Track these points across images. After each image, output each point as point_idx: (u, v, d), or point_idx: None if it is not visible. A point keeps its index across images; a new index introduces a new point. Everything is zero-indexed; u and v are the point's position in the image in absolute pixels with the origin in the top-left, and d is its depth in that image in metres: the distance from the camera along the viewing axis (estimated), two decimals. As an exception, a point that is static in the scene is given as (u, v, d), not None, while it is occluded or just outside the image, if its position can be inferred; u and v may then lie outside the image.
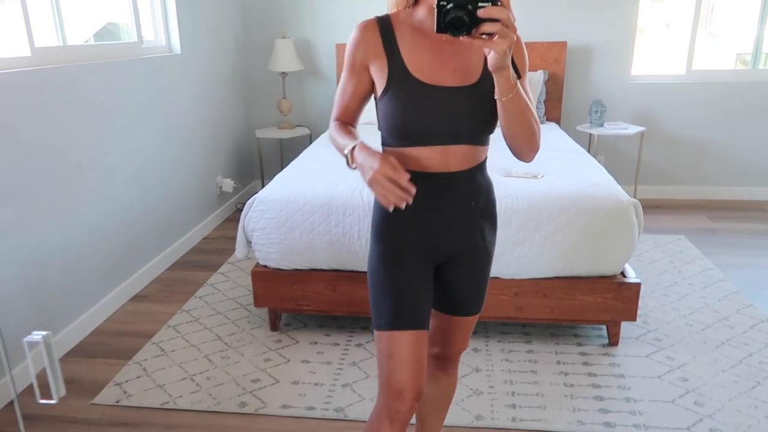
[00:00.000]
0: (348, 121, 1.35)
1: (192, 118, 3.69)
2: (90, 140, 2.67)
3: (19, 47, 2.35)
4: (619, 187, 2.49)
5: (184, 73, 3.58)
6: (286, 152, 4.70)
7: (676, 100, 4.34)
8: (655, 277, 3.11)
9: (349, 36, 1.28)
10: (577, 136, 4.25)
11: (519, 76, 1.18)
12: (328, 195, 2.45)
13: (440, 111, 1.21)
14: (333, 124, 1.34)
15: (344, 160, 1.24)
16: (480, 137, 1.27)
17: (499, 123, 1.23)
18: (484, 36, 1.01)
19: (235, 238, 3.73)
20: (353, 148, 1.20)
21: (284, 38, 4.26)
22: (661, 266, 3.26)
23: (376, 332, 1.32)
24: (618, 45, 4.28)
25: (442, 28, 1.01)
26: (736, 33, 4.38)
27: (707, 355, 2.41)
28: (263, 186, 4.60)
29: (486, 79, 1.21)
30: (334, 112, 1.35)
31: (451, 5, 0.99)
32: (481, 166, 1.32)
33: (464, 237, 1.35)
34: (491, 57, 1.05)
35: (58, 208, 2.45)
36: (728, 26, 4.31)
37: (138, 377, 2.30)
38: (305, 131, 4.44)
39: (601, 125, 4.16)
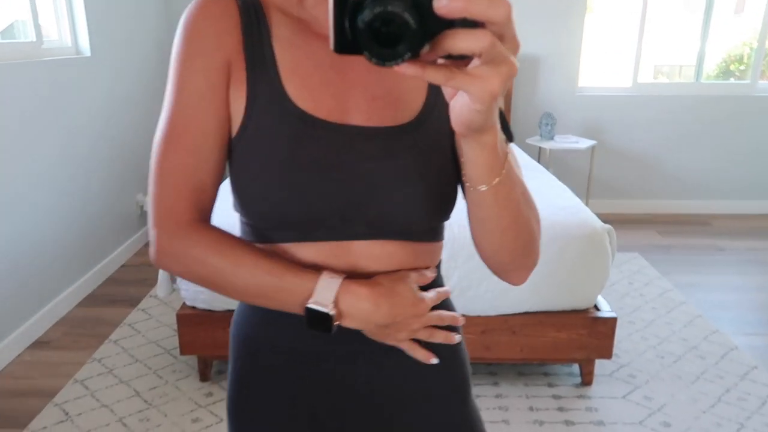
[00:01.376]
0: (205, 205, 0.69)
1: (106, 129, 3.23)
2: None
3: None
4: (590, 211, 2.28)
5: (94, 77, 3.12)
6: (216, 166, 4.28)
7: (623, 113, 4.26)
8: (617, 301, 2.95)
9: (184, 18, 0.67)
10: (527, 150, 4.08)
11: (510, 139, 0.61)
12: (268, 224, 2.11)
13: (343, 173, 0.66)
14: (189, 238, 0.67)
15: (308, 319, 0.65)
16: (423, 225, 0.71)
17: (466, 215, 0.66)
18: (442, 61, 0.46)
19: (158, 265, 3.31)
20: (335, 303, 0.64)
21: (213, 41, 3.86)
22: (622, 289, 3.11)
23: None
24: (565, 56, 4.15)
25: (348, 42, 0.44)
26: (654, 45, 4.34)
27: (685, 392, 2.23)
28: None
29: (433, 113, 0.69)
30: (173, 200, 0.67)
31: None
32: (432, 285, 0.74)
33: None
34: (462, 106, 0.49)
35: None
36: (648, 39, 4.27)
37: (32, 454, 1.87)
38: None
39: (552, 138, 4.01)
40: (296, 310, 0.65)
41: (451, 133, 0.68)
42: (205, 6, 0.66)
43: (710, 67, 4.45)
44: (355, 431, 0.75)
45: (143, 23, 3.72)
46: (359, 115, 0.67)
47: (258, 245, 0.70)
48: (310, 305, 0.64)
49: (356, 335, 0.70)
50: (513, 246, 0.66)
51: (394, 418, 0.75)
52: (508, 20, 0.44)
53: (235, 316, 0.80)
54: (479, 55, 0.44)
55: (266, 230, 0.70)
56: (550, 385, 2.27)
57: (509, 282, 0.73)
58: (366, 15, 0.41)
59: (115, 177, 3.32)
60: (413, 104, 0.69)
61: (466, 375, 0.80)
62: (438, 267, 0.78)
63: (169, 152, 0.66)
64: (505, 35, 0.44)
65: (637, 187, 4.41)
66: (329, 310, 0.64)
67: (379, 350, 0.72)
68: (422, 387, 0.76)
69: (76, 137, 2.93)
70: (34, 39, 2.75)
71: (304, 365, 0.73)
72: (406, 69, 0.44)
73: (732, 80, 4.39)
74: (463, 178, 0.60)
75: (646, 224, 4.20)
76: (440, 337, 0.72)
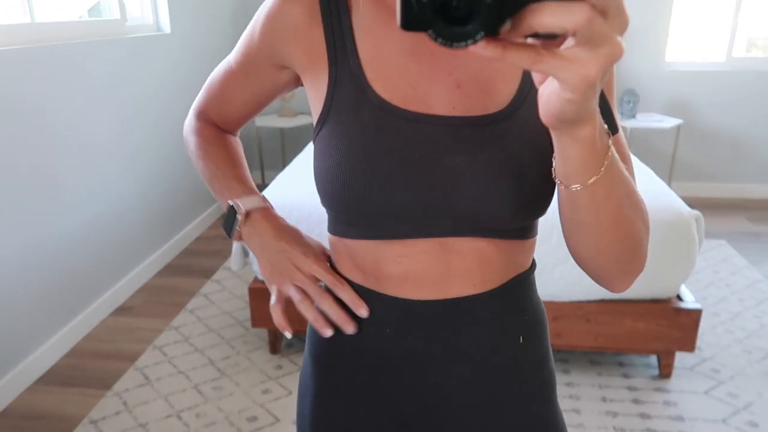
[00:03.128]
0: (224, 127, 0.83)
1: (184, 105, 3.32)
2: (69, 131, 2.32)
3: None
4: (677, 196, 2.14)
5: (174, 55, 3.21)
6: (287, 142, 4.34)
7: (714, 90, 3.97)
8: (701, 291, 2.78)
9: (264, 2, 0.69)
10: (605, 129, 3.88)
11: (615, 131, 0.59)
12: (338, 201, 2.11)
13: (426, 166, 0.61)
14: (197, 125, 0.82)
15: (224, 216, 0.75)
16: (514, 222, 0.64)
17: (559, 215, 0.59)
18: (531, 40, 0.39)
19: (231, 238, 3.40)
20: (248, 212, 0.72)
21: (287, 17, 3.88)
22: (706, 278, 2.92)
23: None
24: (651, 28, 3.89)
25: (415, 18, 0.36)
26: (748, 16, 3.97)
27: (774, 391, 2.09)
28: (263, 178, 4.26)
29: (526, 101, 0.62)
30: (202, 103, 0.82)
31: None
32: (523, 282, 0.69)
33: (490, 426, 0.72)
34: (552, 94, 0.42)
35: (29, 207, 2.11)
36: (743, 8, 3.91)
37: (117, 413, 1.98)
38: (308, 119, 4.08)
39: (634, 117, 3.79)
40: (224, 202, 0.77)
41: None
42: None
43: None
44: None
45: (219, 2, 3.78)
46: (442, 104, 0.61)
47: (333, 238, 0.71)
48: (231, 202, 0.74)
49: (445, 355, 0.67)
50: (613, 251, 0.58)
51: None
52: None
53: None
54: (573, 34, 0.37)
55: (343, 224, 0.67)
56: (625, 376, 2.17)
57: (609, 289, 0.65)
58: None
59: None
60: (505, 91, 0.61)
61: (552, 372, 0.75)
62: (532, 266, 0.72)
63: (215, 81, 0.81)
64: (608, 8, 0.37)
65: (726, 170, 4.11)
66: (240, 214, 0.72)
67: (469, 365, 0.68)
68: (521, 400, 0.71)
69: (156, 114, 3.03)
70: (119, 17, 2.85)
71: (389, 368, 0.70)
72: (482, 50, 0.37)
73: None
74: (554, 174, 0.52)
75: (734, 209, 3.93)
76: (333, 313, 0.68)
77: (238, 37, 3.50)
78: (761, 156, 4.06)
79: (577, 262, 0.64)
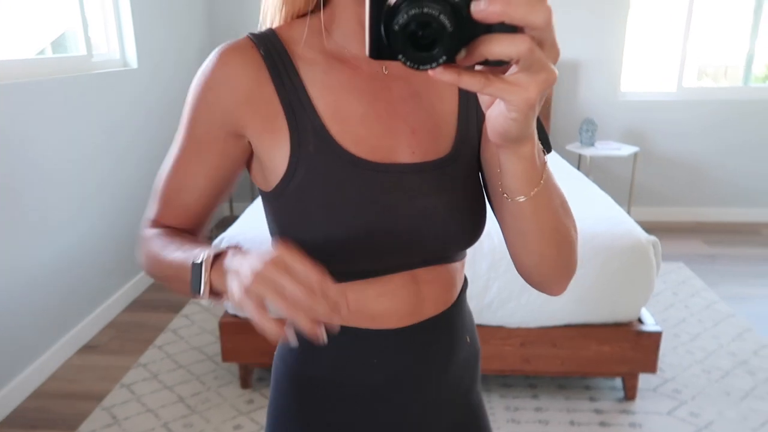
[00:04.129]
0: (186, 227, 0.74)
1: (152, 139, 3.32)
2: (34, 167, 2.30)
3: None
4: (634, 221, 2.23)
5: (141, 89, 3.22)
6: (256, 173, 4.36)
7: (668, 119, 4.16)
8: (661, 313, 2.87)
9: (201, 68, 0.68)
10: (566, 157, 4.02)
11: (548, 149, 0.64)
12: (308, 234, 2.13)
13: (400, 211, 0.66)
14: (147, 234, 0.73)
15: (190, 282, 0.60)
16: (465, 248, 0.74)
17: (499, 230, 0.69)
18: (479, 67, 0.45)
19: (200, 271, 3.37)
20: (215, 254, 0.59)
21: (254, 51, 3.93)
22: (666, 300, 3.02)
23: None
24: (607, 60, 4.08)
25: (384, 47, 0.43)
26: (699, 46, 4.21)
27: (734, 409, 2.16)
28: (231, 210, 4.25)
29: (465, 144, 0.70)
30: (154, 212, 0.74)
31: (403, 3, 0.41)
32: (463, 297, 0.79)
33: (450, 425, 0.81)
34: (498, 115, 0.48)
35: (-13, 253, 2.08)
36: (701, 38, 4.15)
37: (82, 456, 1.94)
38: (277, 151, 4.11)
39: (592, 145, 3.94)
40: (191, 264, 0.60)
41: (479, 157, 0.71)
42: (228, 55, 0.65)
43: (760, 69, 4.30)
44: None
45: (187, 37, 3.82)
46: (404, 152, 0.67)
47: None
48: (199, 259, 0.59)
49: (419, 373, 0.74)
50: (554, 257, 0.65)
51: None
52: (549, 25, 0.42)
53: (282, 354, 0.78)
54: (517, 62, 0.43)
55: (332, 273, 0.59)
56: (592, 399, 2.23)
57: (549, 293, 0.72)
58: (401, 18, 0.40)
59: (159, 185, 3.42)
60: (447, 135, 0.69)
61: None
62: (465, 287, 0.81)
63: (163, 180, 0.72)
64: (544, 41, 0.43)
65: (683, 195, 4.29)
66: (205, 259, 0.59)
67: (437, 377, 0.75)
68: (467, 395, 0.82)
69: (124, 148, 3.02)
70: (85, 53, 2.86)
71: (379, 401, 0.74)
72: (441, 75, 0.43)
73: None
74: (501, 189, 0.60)
75: (691, 233, 4.08)
76: (286, 307, 0.50)
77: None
78: (715, 180, 4.24)
79: (520, 272, 0.71)
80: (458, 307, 0.76)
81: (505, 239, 0.69)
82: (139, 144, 3.18)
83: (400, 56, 0.42)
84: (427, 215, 0.67)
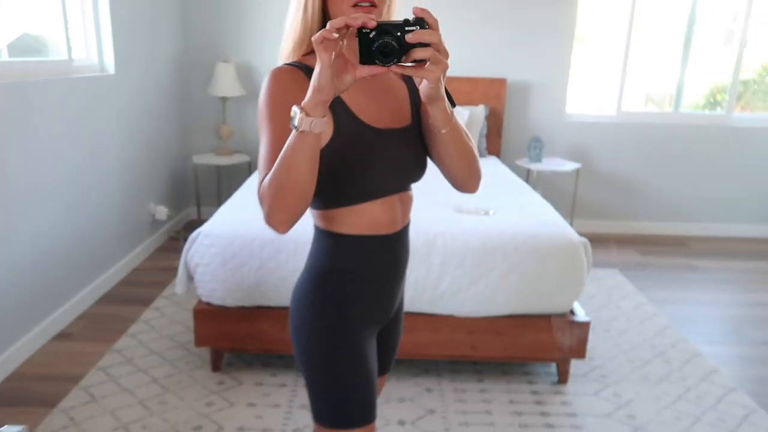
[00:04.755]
0: None
1: (125, 142, 3.48)
2: (9, 164, 2.44)
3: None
4: (569, 226, 2.54)
5: (117, 94, 3.38)
6: (223, 179, 4.53)
7: (607, 139, 4.56)
8: (595, 312, 3.19)
9: (265, 84, 1.05)
10: (516, 170, 4.35)
11: (454, 104, 1.09)
12: (279, 229, 2.35)
13: (393, 156, 1.12)
14: (265, 180, 1.02)
15: (294, 132, 0.95)
16: (418, 180, 1.20)
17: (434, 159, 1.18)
18: (413, 63, 0.90)
19: (168, 269, 3.53)
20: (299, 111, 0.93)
21: (226, 62, 4.13)
22: (600, 301, 3.35)
23: (333, 430, 1.15)
24: (553, 83, 4.45)
25: (367, 58, 0.89)
26: (645, 73, 4.66)
27: (650, 391, 2.47)
28: (199, 214, 4.41)
29: (415, 118, 1.17)
30: (263, 177, 1.02)
31: (374, 33, 0.88)
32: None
33: (402, 292, 1.31)
34: (424, 87, 0.97)
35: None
36: (638, 67, 4.59)
37: (64, 428, 2.08)
38: (244, 158, 4.30)
39: (540, 161, 4.28)
40: (301, 142, 0.94)
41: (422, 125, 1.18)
42: (285, 72, 1.08)
43: (697, 97, 4.76)
44: (394, 302, 1.26)
45: (161, 45, 3.99)
46: (391, 121, 1.13)
47: (327, 211, 1.14)
48: (302, 128, 0.93)
49: (398, 262, 1.22)
50: (468, 166, 1.15)
51: (401, 294, 1.30)
52: (441, 42, 0.89)
53: (313, 275, 1.19)
54: (429, 60, 0.89)
55: (347, 197, 1.12)
56: (530, 383, 2.50)
57: (468, 192, 1.21)
58: (376, 43, 0.88)
59: (130, 187, 3.56)
60: (407, 110, 1.17)
61: None
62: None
63: (267, 158, 1.03)
64: (440, 49, 0.90)
65: (620, 209, 4.68)
66: (298, 113, 0.92)
67: (403, 265, 1.24)
68: (404, 278, 1.29)
69: (98, 149, 3.17)
70: (66, 57, 3.01)
71: (377, 281, 1.20)
72: (397, 69, 0.90)
73: (718, 110, 4.70)
74: (432, 129, 1.08)
75: (626, 244, 4.47)
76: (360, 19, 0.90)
77: (178, 79, 3.75)
78: (649, 197, 4.65)
79: (450, 181, 1.20)
80: (409, 223, 1.25)
81: (439, 165, 1.17)
82: (113, 146, 3.33)
83: (376, 61, 0.89)
84: (404, 158, 1.14)
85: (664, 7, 4.52)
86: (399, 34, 0.88)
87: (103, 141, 3.21)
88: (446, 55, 0.90)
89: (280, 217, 1.00)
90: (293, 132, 0.94)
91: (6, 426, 0.65)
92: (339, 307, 1.15)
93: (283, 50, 1.13)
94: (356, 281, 1.17)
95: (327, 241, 1.16)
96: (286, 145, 0.96)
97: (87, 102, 3.05)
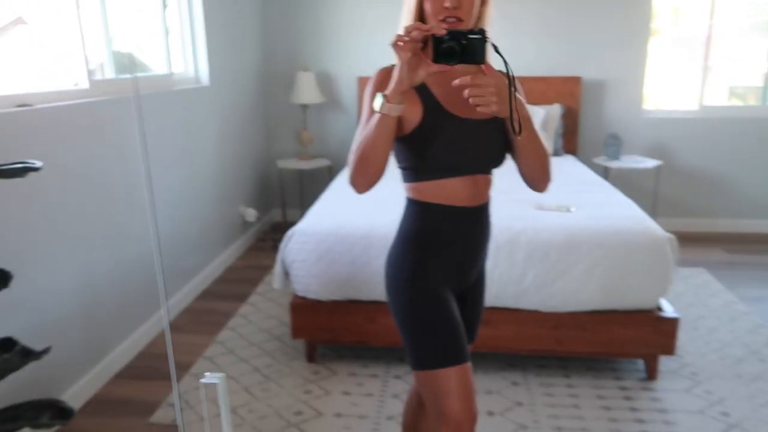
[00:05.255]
0: None
1: (218, 149, 3.73)
2: (122, 173, 2.69)
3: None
4: (653, 221, 2.53)
5: (211, 104, 3.63)
6: (305, 183, 4.74)
7: (689, 135, 4.44)
8: (682, 310, 3.14)
9: (372, 80, 1.34)
10: (594, 169, 4.32)
11: (517, 132, 1.25)
12: (369, 227, 2.48)
13: (473, 142, 1.31)
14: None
15: (378, 117, 1.23)
16: (497, 167, 1.39)
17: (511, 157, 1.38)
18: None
19: (259, 267, 3.75)
20: (384, 97, 1.20)
21: (306, 71, 4.34)
22: (687, 299, 3.29)
23: (425, 372, 1.32)
24: (630, 80, 4.39)
25: (436, 58, 1.14)
26: (729, 66, 4.50)
27: (744, 389, 2.43)
28: (284, 215, 4.64)
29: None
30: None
31: (445, 38, 1.12)
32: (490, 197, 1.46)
33: (481, 266, 1.48)
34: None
35: (93, 241, 2.46)
36: (722, 60, 4.44)
37: (182, 410, 2.29)
38: (325, 162, 4.49)
39: (617, 158, 4.24)
40: (380, 123, 1.22)
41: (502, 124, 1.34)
42: (385, 70, 1.33)
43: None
44: (472, 270, 1.46)
45: (248, 57, 4.24)
46: (473, 113, 1.25)
47: (414, 184, 1.38)
48: (383, 111, 1.22)
49: (475, 233, 1.41)
50: (540, 167, 1.35)
51: (481, 264, 1.50)
52: (487, 90, 1.18)
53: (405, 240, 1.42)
54: (478, 103, 1.19)
55: (430, 173, 1.34)
56: (618, 378, 2.51)
57: (538, 191, 1.41)
58: (443, 47, 1.13)
59: (223, 190, 3.81)
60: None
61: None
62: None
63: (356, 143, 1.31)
64: (485, 95, 1.18)
65: (703, 206, 4.55)
66: (382, 99, 1.21)
67: (481, 236, 1.43)
68: (485, 251, 1.48)
69: (196, 156, 3.42)
70: (167, 72, 3.28)
71: (454, 247, 1.39)
72: (459, 69, 1.17)
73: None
74: (514, 135, 1.26)
75: (711, 242, 4.33)
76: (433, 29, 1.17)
77: (263, 88, 4.00)
78: (734, 193, 4.50)
79: (525, 180, 1.39)
80: (489, 203, 1.43)
81: (518, 165, 1.37)
82: (207, 153, 3.58)
83: (442, 60, 1.14)
84: (482, 145, 1.33)
85: (749, -4, 4.37)
86: (463, 41, 1.13)
87: (199, 148, 3.46)
88: (499, 97, 1.17)
89: (359, 180, 1.29)
90: (375, 114, 1.21)
91: (207, 373, 0.79)
92: (421, 262, 1.36)
93: None
94: (436, 243, 1.37)
95: (414, 208, 1.39)
96: (369, 124, 1.24)
97: (185, 112, 3.30)
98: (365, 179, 1.28)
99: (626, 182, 4.48)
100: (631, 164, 4.14)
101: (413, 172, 1.36)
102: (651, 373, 2.51)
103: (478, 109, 1.17)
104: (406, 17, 1.33)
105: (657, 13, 4.33)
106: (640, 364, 2.61)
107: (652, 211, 4.36)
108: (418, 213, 1.39)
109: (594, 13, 4.30)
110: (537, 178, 1.36)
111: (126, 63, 3.02)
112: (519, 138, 1.25)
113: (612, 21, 4.30)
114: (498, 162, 1.37)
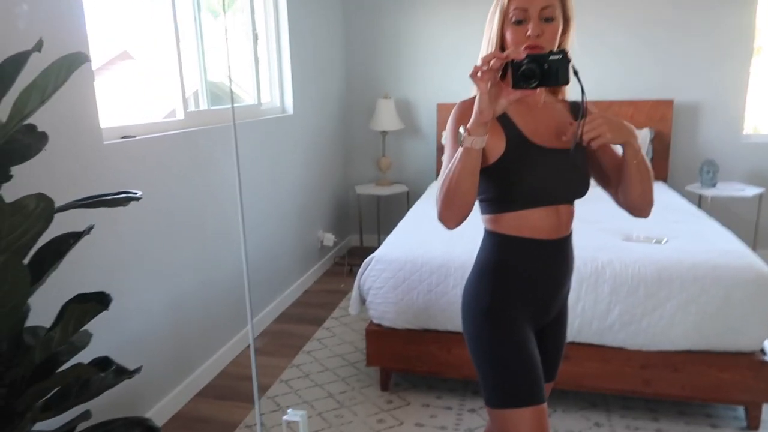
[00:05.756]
0: None
1: (300, 175, 3.84)
2: (213, 199, 2.82)
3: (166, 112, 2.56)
4: (757, 256, 2.34)
5: (295, 132, 3.75)
6: (383, 208, 4.78)
7: (796, 161, 4.09)
8: (789, 352, 2.86)
9: (453, 111, 1.32)
10: (686, 197, 4.07)
11: (578, 145, 1.24)
12: (446, 256, 2.45)
13: (558, 172, 1.29)
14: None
15: (464, 152, 1.20)
16: (580, 197, 1.35)
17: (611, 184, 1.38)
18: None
19: (335, 292, 3.80)
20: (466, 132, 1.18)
21: (386, 98, 4.40)
22: (794, 341, 3.00)
23: (498, 410, 1.27)
24: (728, 103, 4.12)
25: (516, 83, 1.11)
26: None
27: None
28: (361, 240, 4.68)
29: (579, 142, 1.27)
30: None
31: (524, 62, 1.10)
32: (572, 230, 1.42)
33: (562, 300, 1.42)
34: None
35: (186, 263, 2.59)
36: None
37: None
38: (403, 188, 4.51)
39: (713, 186, 3.97)
40: (464, 156, 1.19)
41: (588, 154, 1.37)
42: (467, 102, 1.32)
43: None
44: (553, 304, 1.40)
45: (330, 85, 4.37)
46: (556, 143, 1.30)
47: (495, 215, 1.35)
48: (466, 145, 1.19)
49: (556, 266, 1.36)
50: (648, 191, 1.31)
51: (563, 299, 1.43)
52: (601, 129, 1.21)
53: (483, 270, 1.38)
54: (593, 138, 1.22)
55: (513, 204, 1.30)
56: (713, 426, 2.31)
57: (642, 216, 1.36)
58: (523, 71, 1.11)
59: (303, 214, 3.91)
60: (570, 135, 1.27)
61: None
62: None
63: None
64: (600, 134, 1.21)
65: (814, 238, 4.15)
66: (464, 133, 1.19)
67: (564, 270, 1.38)
68: (568, 285, 1.43)
69: (280, 181, 3.54)
70: (256, 102, 3.43)
71: (536, 280, 1.35)
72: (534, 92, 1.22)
73: None
74: (624, 159, 1.28)
75: (824, 277, 3.94)
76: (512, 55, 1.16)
77: (343, 116, 4.09)
78: None
79: (625, 206, 1.37)
80: (571, 235, 1.38)
81: (614, 192, 1.37)
82: (290, 179, 3.69)
83: (522, 84, 1.12)
84: (565, 175, 1.31)
85: None
86: (545, 65, 1.10)
87: (283, 174, 3.58)
88: (610, 127, 1.20)
89: (446, 215, 1.26)
90: (459, 148, 1.19)
91: (290, 409, 0.81)
92: (499, 297, 1.32)
93: None
94: (515, 277, 1.33)
95: (493, 240, 1.35)
96: (453, 158, 1.21)
97: (271, 140, 3.43)
98: (453, 214, 1.25)
99: (723, 212, 4.18)
100: (730, 192, 3.86)
101: (494, 204, 1.34)
102: (753, 422, 2.29)
103: (593, 143, 1.18)
104: (486, 47, 1.32)
105: (760, 30, 4.05)
106: (740, 411, 2.39)
107: (753, 244, 4.04)
108: (495, 245, 1.35)
109: (690, 32, 4.08)
110: (645, 202, 1.32)
111: (219, 94, 3.19)
112: (634, 163, 1.25)
113: (710, 39, 4.06)
114: (582, 192, 1.35)
